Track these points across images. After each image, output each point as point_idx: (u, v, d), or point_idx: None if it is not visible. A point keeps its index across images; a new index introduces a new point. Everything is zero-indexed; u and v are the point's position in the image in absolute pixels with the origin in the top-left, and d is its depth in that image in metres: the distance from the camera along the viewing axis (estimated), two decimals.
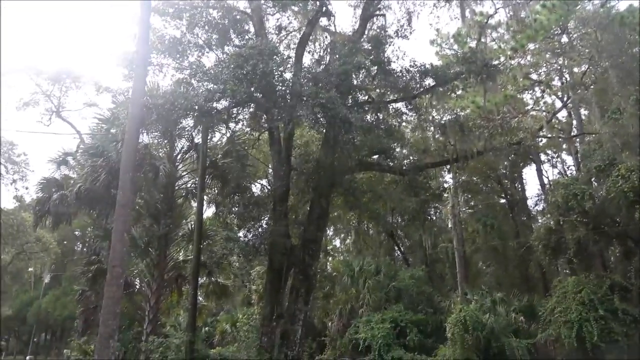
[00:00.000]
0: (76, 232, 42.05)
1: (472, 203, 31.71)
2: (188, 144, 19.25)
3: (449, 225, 30.36)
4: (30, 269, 43.31)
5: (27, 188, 32.14)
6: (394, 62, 16.01)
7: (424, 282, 24.81)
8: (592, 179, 19.83)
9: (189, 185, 20.62)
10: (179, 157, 19.82)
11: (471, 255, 30.02)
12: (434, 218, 30.03)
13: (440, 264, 32.27)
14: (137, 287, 20.01)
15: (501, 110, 20.02)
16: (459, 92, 18.52)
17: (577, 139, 25.12)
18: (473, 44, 19.13)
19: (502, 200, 30.71)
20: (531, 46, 21.22)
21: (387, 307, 22.73)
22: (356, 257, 27.65)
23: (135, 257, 19.17)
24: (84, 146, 21.00)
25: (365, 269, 24.61)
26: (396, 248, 32.79)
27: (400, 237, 33.00)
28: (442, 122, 20.63)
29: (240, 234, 16.73)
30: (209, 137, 18.04)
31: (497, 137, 19.01)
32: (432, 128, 21.56)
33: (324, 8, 16.45)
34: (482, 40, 18.92)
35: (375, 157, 18.44)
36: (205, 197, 18.84)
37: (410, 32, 17.43)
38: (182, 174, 20.46)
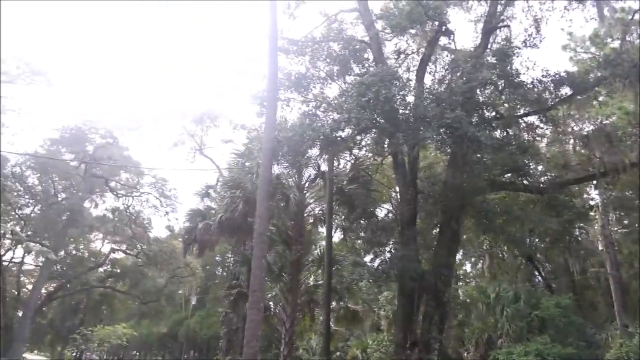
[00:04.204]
0: (217, 258, 45.90)
1: (626, 222, 27.95)
2: (315, 172, 20.02)
3: (600, 248, 27.15)
4: (180, 292, 48.28)
5: (177, 219, 36.34)
6: (523, 73, 15.07)
7: (573, 312, 22.25)
8: None
9: (316, 212, 21.35)
10: (306, 185, 20.70)
11: (629, 281, 26.33)
12: (580, 239, 27.02)
13: (590, 290, 28.88)
14: (272, 310, 21.03)
15: None
16: (601, 99, 16.80)
17: None
18: (615, 44, 17.25)
19: None
20: None
21: (530, 338, 20.73)
22: (490, 283, 25.90)
23: (270, 281, 20.25)
24: (223, 179, 23.04)
25: (502, 295, 22.82)
26: (537, 273, 30.07)
27: (540, 261, 30.22)
28: (584, 133, 18.78)
29: (367, 258, 16.76)
30: (334, 165, 18.59)
31: None
32: (571, 140, 19.70)
33: (444, 27, 16.17)
34: (628, 39, 17.01)
35: (508, 175, 17.31)
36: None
37: (540, 40, 16.31)
38: (310, 201, 21.28)
